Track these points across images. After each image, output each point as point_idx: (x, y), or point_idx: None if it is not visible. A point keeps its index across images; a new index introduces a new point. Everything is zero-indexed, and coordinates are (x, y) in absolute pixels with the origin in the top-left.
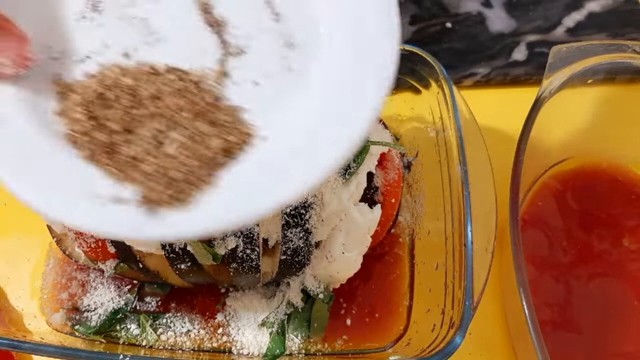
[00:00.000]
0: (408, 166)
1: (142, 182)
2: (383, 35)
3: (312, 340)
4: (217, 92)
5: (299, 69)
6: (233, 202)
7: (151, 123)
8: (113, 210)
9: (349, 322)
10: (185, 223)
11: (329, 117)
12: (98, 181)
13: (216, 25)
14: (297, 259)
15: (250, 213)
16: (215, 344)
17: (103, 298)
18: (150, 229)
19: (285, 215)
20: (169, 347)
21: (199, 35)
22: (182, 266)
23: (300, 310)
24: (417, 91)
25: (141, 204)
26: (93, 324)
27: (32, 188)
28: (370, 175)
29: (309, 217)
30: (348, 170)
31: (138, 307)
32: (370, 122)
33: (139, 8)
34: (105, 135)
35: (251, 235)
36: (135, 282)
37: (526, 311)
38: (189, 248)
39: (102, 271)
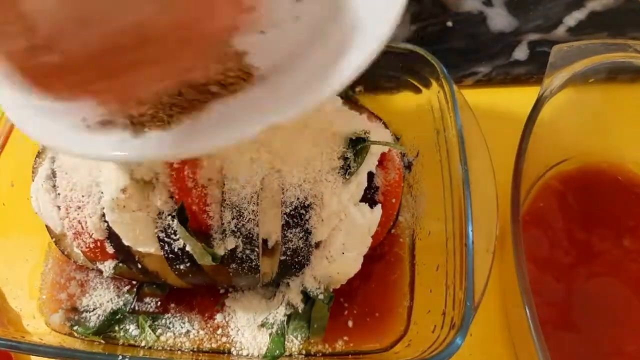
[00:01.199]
0: (409, 166)
1: (132, 106)
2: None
3: (312, 341)
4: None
5: (306, 19)
6: (219, 127)
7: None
8: (100, 133)
9: (349, 323)
10: (168, 143)
11: (333, 54)
12: (87, 110)
13: None
14: (297, 260)
15: (234, 136)
16: (214, 345)
17: (102, 298)
18: (135, 148)
19: (285, 216)
20: (168, 348)
21: None
22: (182, 267)
23: (300, 311)
24: (418, 90)
25: (127, 126)
26: (92, 324)
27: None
28: (370, 175)
29: (309, 217)
30: (348, 170)
31: (137, 308)
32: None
33: None
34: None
35: (251, 235)
36: (134, 282)
37: (527, 311)
38: (188, 248)
39: (101, 271)
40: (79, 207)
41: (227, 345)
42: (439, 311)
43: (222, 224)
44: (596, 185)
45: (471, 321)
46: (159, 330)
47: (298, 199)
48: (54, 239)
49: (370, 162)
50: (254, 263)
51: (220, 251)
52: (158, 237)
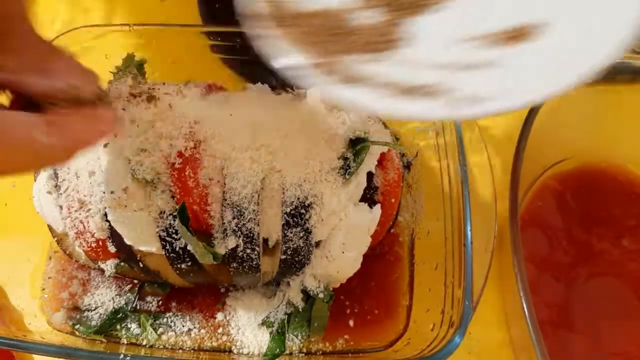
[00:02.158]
0: (408, 166)
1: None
2: None
3: (312, 339)
4: None
5: None
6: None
7: None
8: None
9: (349, 321)
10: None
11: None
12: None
13: None
14: (297, 259)
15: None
16: (215, 344)
17: (104, 297)
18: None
19: (285, 215)
20: (170, 347)
21: None
22: (183, 266)
23: (300, 309)
24: None
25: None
26: (93, 323)
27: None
28: (370, 175)
29: (309, 217)
30: (348, 170)
31: (139, 307)
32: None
33: None
34: None
35: (251, 234)
36: (135, 281)
37: (526, 311)
38: (189, 248)
39: (103, 271)
40: (81, 207)
41: (228, 343)
42: (438, 310)
43: (223, 223)
44: (595, 185)
45: (470, 320)
46: (161, 329)
47: (298, 198)
48: (55, 239)
49: (369, 162)
50: (254, 262)
51: (221, 250)
52: (159, 236)
